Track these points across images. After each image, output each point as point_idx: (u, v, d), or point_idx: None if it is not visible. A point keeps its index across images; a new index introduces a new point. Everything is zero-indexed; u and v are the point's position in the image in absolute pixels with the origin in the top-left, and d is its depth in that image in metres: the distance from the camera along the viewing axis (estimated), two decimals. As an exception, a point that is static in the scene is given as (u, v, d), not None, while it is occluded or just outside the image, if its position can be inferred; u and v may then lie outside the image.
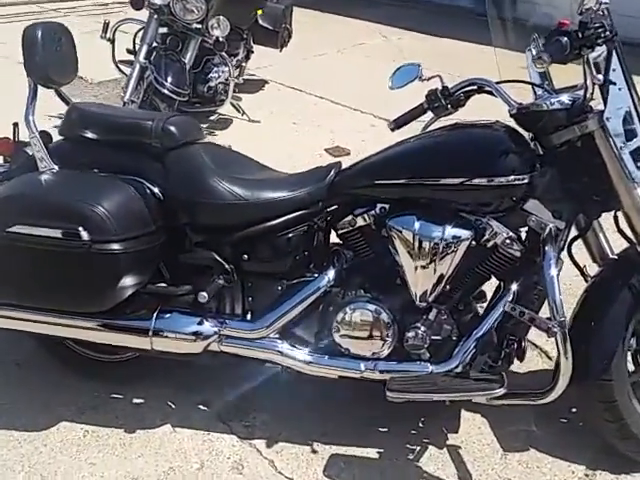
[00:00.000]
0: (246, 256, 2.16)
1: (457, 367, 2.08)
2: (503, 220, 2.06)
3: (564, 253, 2.12)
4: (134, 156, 2.16)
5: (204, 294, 2.10)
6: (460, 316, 2.17)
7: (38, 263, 2.01)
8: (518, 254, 2.07)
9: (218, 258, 2.15)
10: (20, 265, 2.05)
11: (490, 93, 2.14)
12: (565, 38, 1.85)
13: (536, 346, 2.69)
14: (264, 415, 2.37)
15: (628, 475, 2.18)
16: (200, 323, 2.16)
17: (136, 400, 2.42)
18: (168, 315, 2.16)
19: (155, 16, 4.13)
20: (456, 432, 2.33)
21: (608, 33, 1.85)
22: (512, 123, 2.12)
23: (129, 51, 4.48)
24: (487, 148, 2.04)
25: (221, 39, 4.21)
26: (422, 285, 2.07)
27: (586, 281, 2.26)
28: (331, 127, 4.87)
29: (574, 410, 2.38)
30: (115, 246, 1.97)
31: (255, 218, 2.12)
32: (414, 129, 2.20)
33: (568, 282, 2.47)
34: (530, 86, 2.17)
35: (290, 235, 2.15)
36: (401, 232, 2.04)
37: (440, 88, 2.15)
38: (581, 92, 1.95)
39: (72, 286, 2.03)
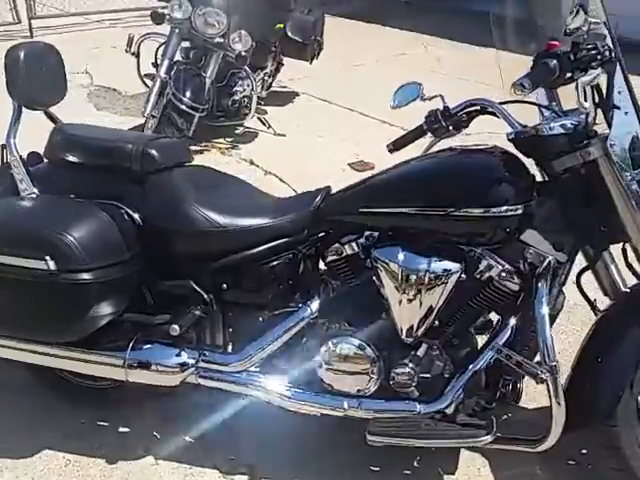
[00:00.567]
0: (225, 285, 2.07)
1: (447, 407, 1.95)
2: (499, 252, 1.92)
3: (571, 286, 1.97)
4: (115, 180, 2.11)
5: (175, 327, 2.02)
6: (455, 351, 2.03)
7: (7, 292, 1.96)
8: (516, 288, 1.93)
9: (196, 287, 2.07)
10: None
11: (493, 114, 2.01)
12: (554, 61, 1.71)
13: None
14: (250, 449, 2.27)
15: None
16: (178, 355, 2.08)
17: (122, 429, 2.36)
18: (144, 346, 2.08)
19: (176, 30, 4.12)
20: (453, 474, 2.19)
21: (607, 54, 1.70)
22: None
23: (155, 65, 4.47)
24: (477, 176, 1.91)
25: (243, 53, 4.16)
26: (408, 320, 1.95)
27: (596, 315, 2.10)
28: (357, 140, 4.75)
29: (584, 452, 2.21)
30: (84, 275, 1.91)
31: (233, 246, 2.03)
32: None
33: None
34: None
35: (272, 264, 2.05)
36: (385, 263, 1.92)
37: (441, 109, 2.03)
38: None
39: (42, 316, 1.98)
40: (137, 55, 4.44)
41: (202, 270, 2.07)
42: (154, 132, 4.03)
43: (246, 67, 4.36)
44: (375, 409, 2.00)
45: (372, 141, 4.72)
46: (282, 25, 4.84)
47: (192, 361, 2.08)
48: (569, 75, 1.74)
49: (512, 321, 1.95)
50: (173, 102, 3.99)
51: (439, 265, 1.89)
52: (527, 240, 1.92)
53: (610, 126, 1.82)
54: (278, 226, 2.05)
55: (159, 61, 4.21)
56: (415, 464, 2.21)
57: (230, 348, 2.14)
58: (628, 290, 2.08)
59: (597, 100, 1.83)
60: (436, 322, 1.96)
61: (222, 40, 4.16)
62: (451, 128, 2.03)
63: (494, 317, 2.10)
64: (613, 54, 1.72)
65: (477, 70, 5.06)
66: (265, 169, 4.35)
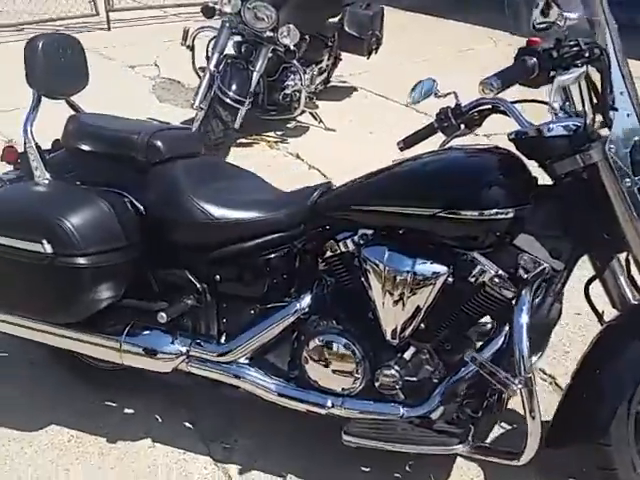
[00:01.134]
0: (219, 277, 2.10)
1: (431, 412, 1.91)
2: (492, 256, 1.86)
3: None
4: (121, 169, 2.16)
5: (163, 314, 2.05)
6: (449, 357, 1.98)
7: (8, 272, 2.06)
8: (510, 295, 1.86)
9: (190, 277, 2.10)
10: None
11: (505, 113, 1.95)
12: (533, 59, 1.63)
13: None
14: (246, 439, 2.30)
15: None
16: (171, 342, 2.12)
17: (127, 410, 2.43)
18: (139, 331, 2.14)
19: (227, 24, 4.17)
20: (444, 483, 2.15)
21: (595, 52, 1.61)
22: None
23: (207, 58, 4.55)
24: (468, 177, 1.85)
25: (292, 47, 4.17)
26: (393, 321, 1.91)
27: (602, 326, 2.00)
28: (407, 137, 4.68)
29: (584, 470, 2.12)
30: (80, 260, 1.97)
31: (227, 238, 2.05)
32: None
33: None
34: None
35: (267, 257, 2.06)
36: (372, 262, 1.90)
37: (452, 106, 1.98)
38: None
39: (41, 297, 2.06)
40: (192, 48, 4.51)
41: (197, 260, 2.10)
42: (201, 124, 4.10)
43: (295, 61, 4.37)
44: (358, 409, 1.98)
45: (422, 138, 4.65)
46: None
47: (184, 349, 2.12)
48: (553, 74, 1.66)
49: (505, 329, 1.88)
50: (219, 95, 4.05)
51: (425, 267, 1.85)
52: (521, 245, 1.85)
53: (610, 128, 1.73)
54: (273, 220, 2.05)
55: (209, 54, 4.28)
56: (407, 468, 2.18)
57: (223, 339, 2.16)
58: (636, 302, 1.97)
59: (595, 101, 1.75)
60: (423, 325, 1.92)
61: (272, 34, 4.17)
62: (462, 126, 1.98)
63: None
64: (603, 52, 1.62)
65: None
66: (309, 163, 4.36)
